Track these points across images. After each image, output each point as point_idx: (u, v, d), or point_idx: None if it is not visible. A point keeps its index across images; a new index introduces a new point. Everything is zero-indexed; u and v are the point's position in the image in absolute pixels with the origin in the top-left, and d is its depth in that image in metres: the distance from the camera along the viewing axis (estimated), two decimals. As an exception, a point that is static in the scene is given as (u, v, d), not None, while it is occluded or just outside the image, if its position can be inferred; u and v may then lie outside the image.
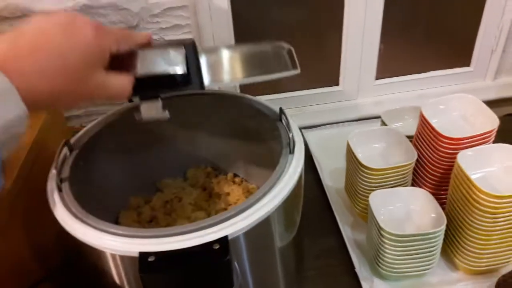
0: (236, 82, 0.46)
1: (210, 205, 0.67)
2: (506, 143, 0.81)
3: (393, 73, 0.97)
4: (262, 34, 0.91)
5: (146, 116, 0.44)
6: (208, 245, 0.41)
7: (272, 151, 0.62)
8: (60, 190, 0.48)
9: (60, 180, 0.49)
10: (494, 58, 0.96)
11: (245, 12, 0.85)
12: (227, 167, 0.73)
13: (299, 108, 0.97)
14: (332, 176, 0.80)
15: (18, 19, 0.75)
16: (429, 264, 0.59)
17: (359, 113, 0.95)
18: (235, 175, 0.72)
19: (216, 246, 0.41)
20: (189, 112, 0.65)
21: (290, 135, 0.52)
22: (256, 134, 0.65)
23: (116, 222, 0.65)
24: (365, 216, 0.68)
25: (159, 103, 0.43)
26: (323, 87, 0.96)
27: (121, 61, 0.39)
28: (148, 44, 0.42)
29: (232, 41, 0.84)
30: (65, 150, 0.53)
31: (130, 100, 0.67)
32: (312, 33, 0.91)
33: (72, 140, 0.55)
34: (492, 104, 1.01)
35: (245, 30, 0.86)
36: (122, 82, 0.38)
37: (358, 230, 0.69)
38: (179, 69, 0.41)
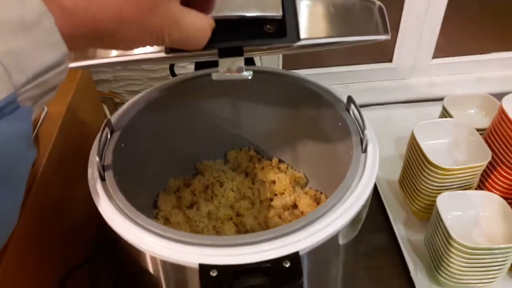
0: (328, 39, 0.36)
1: (254, 193, 0.62)
2: None
3: (450, 53, 0.88)
4: None
5: (224, 75, 0.34)
6: (278, 261, 0.36)
7: (329, 139, 0.56)
8: (103, 179, 0.43)
9: (103, 168, 0.43)
10: None
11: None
12: (271, 151, 0.67)
13: (344, 85, 0.89)
14: (382, 165, 0.73)
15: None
16: (495, 277, 0.54)
17: (411, 94, 0.87)
18: (280, 161, 0.66)
19: (287, 264, 0.36)
20: (234, 87, 0.59)
21: (365, 132, 0.45)
22: (310, 120, 0.58)
23: (155, 205, 0.60)
24: (422, 215, 0.63)
25: (241, 59, 0.34)
26: (374, 63, 0.87)
27: None
28: None
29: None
30: (106, 131, 0.47)
31: (173, 74, 0.61)
32: None
33: (113, 120, 0.49)
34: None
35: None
36: (200, 23, 0.28)
37: (412, 229, 0.64)
38: (275, 12, 0.31)
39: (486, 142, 0.60)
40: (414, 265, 0.59)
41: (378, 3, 0.40)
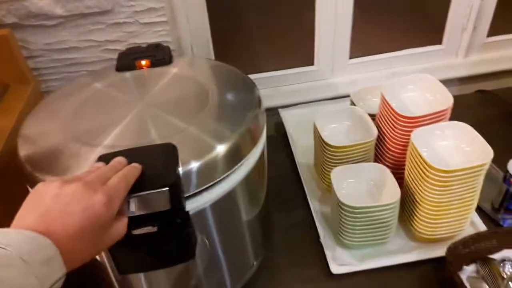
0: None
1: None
2: (475, 117, 0.85)
3: (367, 53, 1.00)
4: (236, 14, 0.93)
5: (139, 232, 0.46)
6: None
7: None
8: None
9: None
10: (465, 36, 0.99)
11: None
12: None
13: (275, 88, 1.00)
14: (304, 153, 0.84)
15: (14, 2, 0.77)
16: (386, 234, 0.64)
17: (334, 92, 0.98)
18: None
19: (178, 220, 0.45)
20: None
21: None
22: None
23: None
24: (331, 190, 0.73)
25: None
26: (299, 67, 0.99)
27: None
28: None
29: (206, 22, 0.86)
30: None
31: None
32: (287, 13, 0.94)
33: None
34: (463, 81, 1.05)
35: (219, 10, 0.88)
36: (121, 227, 0.41)
37: (325, 204, 0.74)
38: (165, 207, 0.43)
39: (377, 124, 0.71)
40: (324, 232, 0.69)
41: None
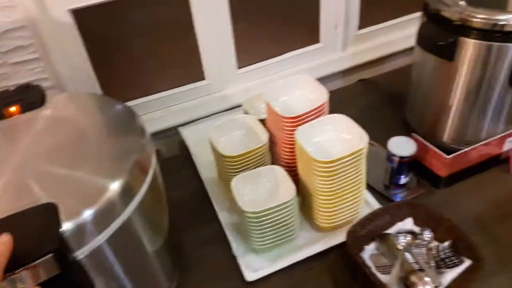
0: None
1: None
2: (359, 105, 0.91)
3: (255, 61, 1.04)
4: (117, 41, 0.92)
5: None
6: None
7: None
8: None
9: None
10: (339, 32, 1.07)
11: (94, 21, 0.85)
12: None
13: (171, 107, 0.99)
14: (209, 167, 0.84)
15: None
16: (292, 231, 0.67)
17: (229, 102, 1.00)
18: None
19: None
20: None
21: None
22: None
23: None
24: (236, 199, 0.74)
25: None
26: (191, 83, 0.99)
27: None
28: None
29: (84, 54, 0.84)
30: None
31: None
32: (170, 33, 0.94)
33: None
34: (345, 73, 1.14)
35: (98, 40, 0.86)
36: None
37: (234, 214, 0.75)
38: (55, 273, 0.41)
39: (267, 128, 0.74)
40: (235, 243, 0.70)
41: None
